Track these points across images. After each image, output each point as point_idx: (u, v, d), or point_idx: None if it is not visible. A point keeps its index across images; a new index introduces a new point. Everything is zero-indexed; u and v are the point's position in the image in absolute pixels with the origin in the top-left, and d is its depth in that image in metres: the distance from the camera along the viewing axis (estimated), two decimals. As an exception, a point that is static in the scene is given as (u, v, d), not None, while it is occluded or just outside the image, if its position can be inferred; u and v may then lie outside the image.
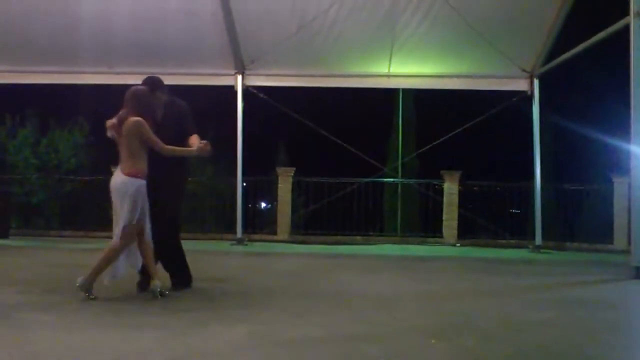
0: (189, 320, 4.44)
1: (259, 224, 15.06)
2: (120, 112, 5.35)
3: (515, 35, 11.53)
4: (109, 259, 5.19)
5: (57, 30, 11.62)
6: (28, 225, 15.49)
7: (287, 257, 10.43)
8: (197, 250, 11.15)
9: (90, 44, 11.86)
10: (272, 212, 15.46)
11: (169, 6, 11.20)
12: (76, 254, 9.24)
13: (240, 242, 12.32)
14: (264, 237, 13.86)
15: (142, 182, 5.23)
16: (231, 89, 12.60)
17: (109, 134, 5.34)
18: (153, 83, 5.73)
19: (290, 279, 7.25)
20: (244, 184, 12.89)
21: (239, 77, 12.53)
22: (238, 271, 8.05)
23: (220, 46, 11.97)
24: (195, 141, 5.69)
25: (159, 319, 4.48)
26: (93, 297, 5.07)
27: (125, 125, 5.24)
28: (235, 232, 12.56)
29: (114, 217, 5.31)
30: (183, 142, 5.68)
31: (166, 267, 5.86)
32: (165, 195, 5.60)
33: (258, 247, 12.18)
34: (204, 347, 3.71)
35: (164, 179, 5.50)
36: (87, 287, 5.07)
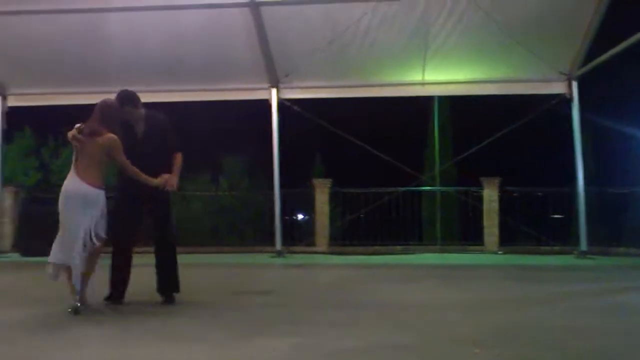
0: (235, 333, 4.46)
1: (298, 236, 15.08)
2: (88, 122, 5.43)
3: (551, 37, 11.35)
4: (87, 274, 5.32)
5: (95, 51, 11.86)
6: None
7: (327, 269, 10.43)
8: (237, 264, 11.29)
9: (126, 63, 12.08)
10: (309, 224, 15.48)
11: (201, 23, 11.32)
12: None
13: (279, 254, 12.35)
14: (303, 249, 13.86)
15: (103, 192, 5.37)
16: (266, 103, 12.70)
17: (72, 140, 5.41)
18: (123, 97, 5.81)
19: (332, 290, 7.24)
20: (281, 196, 12.92)
21: (274, 91, 12.60)
22: (279, 283, 8.06)
23: (254, 61, 12.06)
24: (177, 162, 5.83)
25: (206, 332, 4.52)
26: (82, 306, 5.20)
27: (101, 138, 5.32)
28: (274, 245, 12.61)
29: (61, 226, 5.34)
30: (166, 157, 5.80)
31: (163, 279, 5.87)
32: (163, 208, 5.86)
33: (297, 259, 12.20)
34: (250, 360, 3.73)
35: (159, 193, 5.67)
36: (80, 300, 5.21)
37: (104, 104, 5.55)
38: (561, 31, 11.30)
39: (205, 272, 9.46)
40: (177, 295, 5.77)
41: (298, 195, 15.08)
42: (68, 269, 5.24)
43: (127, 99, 5.83)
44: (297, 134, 16.03)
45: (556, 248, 13.23)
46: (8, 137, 15.33)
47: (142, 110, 5.94)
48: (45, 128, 17.33)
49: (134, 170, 5.44)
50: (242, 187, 17.31)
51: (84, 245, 5.21)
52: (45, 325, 4.79)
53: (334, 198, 14.61)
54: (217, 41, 11.62)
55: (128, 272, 5.80)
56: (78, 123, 5.47)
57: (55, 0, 10.95)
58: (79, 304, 5.16)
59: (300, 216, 17.71)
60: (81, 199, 5.24)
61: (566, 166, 12.92)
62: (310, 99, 13.03)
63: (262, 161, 13.51)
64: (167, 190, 5.77)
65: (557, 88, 12.37)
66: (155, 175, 5.57)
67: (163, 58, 11.88)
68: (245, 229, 15.84)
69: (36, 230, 13.07)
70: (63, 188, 5.34)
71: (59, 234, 5.35)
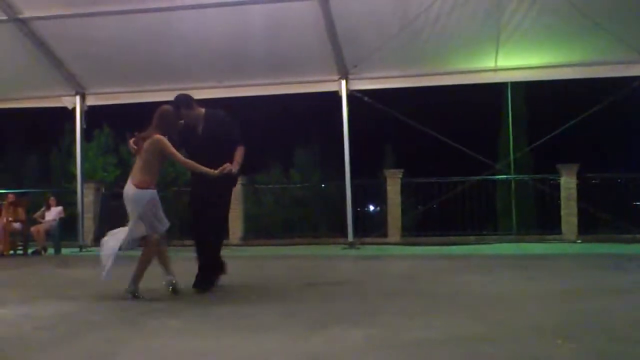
0: (307, 323, 4.48)
1: (369, 227, 15.05)
2: (147, 130, 5.73)
3: (630, 17, 10.87)
4: (145, 266, 5.74)
5: (167, 49, 12.20)
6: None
7: (400, 259, 10.36)
8: (310, 255, 11.36)
9: (196, 60, 12.39)
10: (381, 215, 15.43)
11: (269, 17, 11.44)
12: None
13: (352, 245, 12.37)
14: (375, 240, 13.83)
15: (153, 191, 5.66)
16: (336, 94, 12.70)
17: (131, 149, 5.84)
18: (177, 102, 6.07)
19: (406, 281, 7.18)
20: (353, 188, 12.92)
21: (343, 82, 12.62)
22: (352, 274, 8.07)
23: (323, 53, 12.09)
24: (239, 154, 6.01)
25: (279, 323, 4.55)
26: (140, 296, 5.62)
27: (147, 142, 5.61)
28: (346, 236, 12.62)
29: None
30: (230, 152, 5.99)
31: (204, 265, 6.18)
32: (214, 203, 6.05)
33: (370, 250, 12.18)
34: (324, 351, 3.73)
35: (214, 188, 5.87)
36: (134, 291, 5.64)
37: (159, 111, 5.80)
38: (641, 9, 10.82)
39: (278, 264, 9.57)
40: (250, 287, 5.92)
41: (369, 186, 15.06)
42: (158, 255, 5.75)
43: (181, 102, 6.11)
44: (368, 125, 16.01)
45: (638, 236, 12.70)
46: (88, 135, 15.92)
47: (199, 111, 6.19)
48: (123, 125, 17.92)
49: (191, 164, 5.73)
50: (313, 179, 17.40)
51: (126, 241, 5.65)
52: (123, 317, 4.95)
53: (405, 188, 14.49)
54: (284, 35, 11.71)
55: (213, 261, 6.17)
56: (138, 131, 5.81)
57: (128, 1, 11.29)
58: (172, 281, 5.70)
59: (371, 207, 17.68)
60: (134, 200, 5.64)
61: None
62: (380, 89, 12.96)
63: (333, 153, 13.53)
64: (229, 188, 6.11)
65: (638, 70, 11.86)
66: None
67: (232, 54, 12.08)
68: (317, 221, 15.94)
69: (116, 225, 13.57)
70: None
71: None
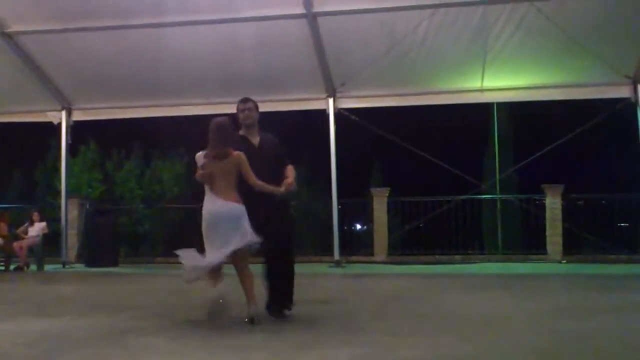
0: (294, 343, 4.44)
1: (356, 246, 15.03)
2: (212, 147, 5.41)
3: (614, 40, 11.03)
4: (251, 282, 5.32)
5: (155, 65, 12.21)
6: (136, 253, 16.15)
7: (386, 278, 10.34)
8: (297, 273, 11.27)
9: (185, 77, 12.39)
10: (368, 234, 15.42)
11: (257, 35, 11.46)
12: (182, 280, 9.49)
13: (338, 264, 12.33)
14: (361, 258, 13.81)
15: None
16: (323, 113, 12.73)
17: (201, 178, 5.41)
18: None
19: (392, 301, 7.16)
20: (339, 206, 12.91)
21: (330, 101, 12.65)
22: (338, 293, 8.03)
23: (311, 71, 12.13)
24: (291, 173, 5.68)
25: (264, 341, 4.52)
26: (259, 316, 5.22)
27: (232, 158, 5.33)
28: (332, 254, 12.59)
29: (212, 245, 5.29)
30: (280, 171, 5.67)
31: (285, 291, 5.71)
32: (285, 225, 5.73)
33: (356, 268, 12.14)
34: (310, 370, 3.70)
35: (280, 210, 5.62)
36: (259, 313, 5.21)
37: (223, 124, 5.51)
38: (625, 34, 11.00)
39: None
40: (236, 306, 5.70)
41: (356, 205, 15.06)
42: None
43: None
44: (355, 144, 16.03)
45: (623, 257, 12.78)
46: (73, 150, 15.82)
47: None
48: (108, 141, 17.84)
49: (260, 184, 5.36)
50: (300, 197, 17.35)
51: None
52: (106, 335, 4.88)
53: (392, 207, 14.51)
54: (273, 52, 11.75)
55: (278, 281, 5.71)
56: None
57: (117, 17, 11.32)
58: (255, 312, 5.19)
59: (358, 226, 17.66)
60: (238, 215, 5.28)
61: (632, 172, 12.49)
62: (368, 108, 13.01)
63: (320, 171, 13.53)
64: (288, 205, 5.80)
65: (622, 92, 12.05)
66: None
67: (220, 70, 12.10)
68: (303, 239, 15.89)
69: (100, 242, 13.50)
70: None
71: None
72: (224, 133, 5.46)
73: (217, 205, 5.33)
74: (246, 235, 5.21)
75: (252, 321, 5.08)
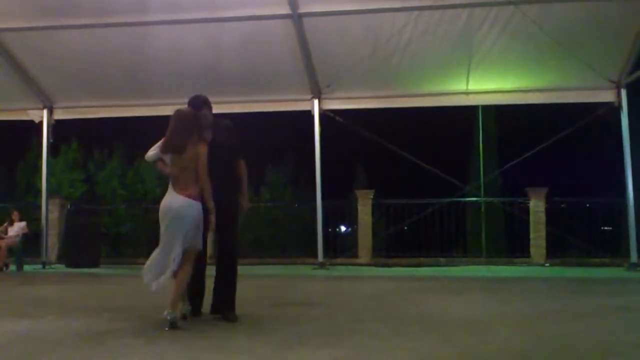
0: (275, 345, 4.39)
1: (340, 248, 14.99)
2: (169, 137, 5.27)
3: (599, 44, 11.09)
4: (178, 285, 5.12)
5: (139, 64, 12.13)
6: (117, 254, 16.01)
7: (370, 281, 10.30)
8: (279, 275, 11.24)
9: (169, 76, 12.25)
10: (352, 236, 15.38)
11: (243, 35, 11.40)
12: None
13: (322, 266, 12.28)
14: (345, 260, 13.78)
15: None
16: (308, 114, 12.68)
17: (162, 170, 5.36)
18: (200, 101, 5.56)
19: (375, 303, 7.12)
20: (324, 208, 12.85)
21: (316, 102, 12.60)
22: (321, 295, 7.98)
23: (296, 72, 12.08)
24: (243, 168, 5.60)
25: (247, 344, 4.47)
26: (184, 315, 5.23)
27: (197, 149, 5.17)
28: (316, 256, 12.54)
29: (161, 239, 5.21)
30: (233, 163, 5.58)
31: (222, 295, 5.56)
32: (230, 220, 5.50)
33: (340, 270, 12.10)
34: (291, 373, 3.65)
35: (228, 204, 5.43)
36: (177, 317, 5.01)
37: (190, 114, 5.39)
38: (609, 38, 11.05)
39: (247, 284, 9.40)
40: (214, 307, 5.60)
41: (340, 207, 15.01)
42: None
43: (205, 102, 5.60)
44: (340, 145, 16.01)
45: (605, 260, 12.85)
46: (54, 149, 15.66)
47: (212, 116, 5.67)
48: (91, 141, 17.68)
49: (207, 184, 5.19)
50: (284, 198, 17.30)
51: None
52: (85, 336, 4.81)
53: (376, 209, 14.49)
54: (259, 53, 11.68)
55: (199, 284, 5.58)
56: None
57: (100, 15, 11.20)
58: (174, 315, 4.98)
59: (342, 228, 17.62)
60: (193, 213, 5.16)
61: (615, 176, 12.55)
62: (353, 109, 12.98)
63: (304, 172, 13.49)
64: (235, 202, 5.58)
65: (606, 96, 12.10)
66: (219, 182, 5.28)
67: (205, 70, 12.00)
68: (287, 241, 15.84)
69: (81, 242, 13.35)
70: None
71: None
72: (183, 125, 5.27)
73: (169, 199, 5.21)
74: (187, 238, 5.08)
75: (171, 325, 4.88)
